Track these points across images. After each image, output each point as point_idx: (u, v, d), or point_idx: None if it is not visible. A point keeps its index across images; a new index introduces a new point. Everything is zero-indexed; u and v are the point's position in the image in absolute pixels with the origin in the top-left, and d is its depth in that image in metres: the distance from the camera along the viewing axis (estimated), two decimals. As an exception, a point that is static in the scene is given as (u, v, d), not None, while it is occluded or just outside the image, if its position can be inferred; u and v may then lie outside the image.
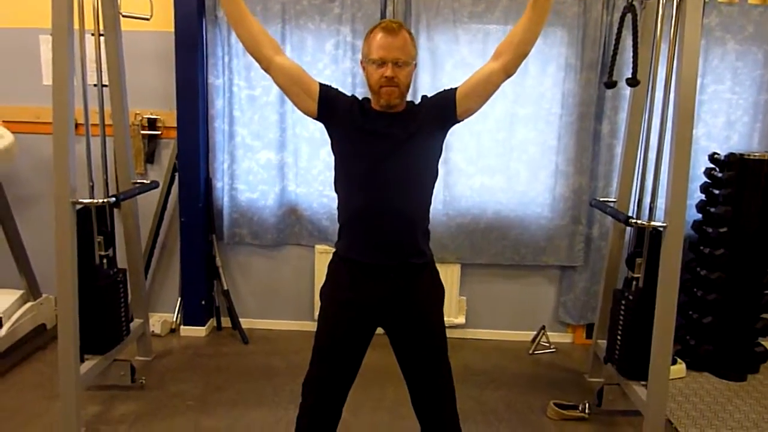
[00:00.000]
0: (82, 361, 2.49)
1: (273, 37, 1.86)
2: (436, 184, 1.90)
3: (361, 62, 1.82)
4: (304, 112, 1.85)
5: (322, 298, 1.91)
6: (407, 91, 1.79)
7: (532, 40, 1.74)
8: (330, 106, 1.81)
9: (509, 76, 1.79)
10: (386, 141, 1.76)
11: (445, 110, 1.81)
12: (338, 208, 1.88)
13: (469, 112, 1.83)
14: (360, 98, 1.87)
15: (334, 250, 1.90)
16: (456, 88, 1.82)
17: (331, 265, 1.91)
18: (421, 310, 1.85)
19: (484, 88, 1.79)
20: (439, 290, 1.93)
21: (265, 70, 1.83)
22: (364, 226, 1.79)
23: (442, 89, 1.87)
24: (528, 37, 1.73)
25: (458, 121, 1.84)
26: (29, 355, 3.12)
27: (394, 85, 1.72)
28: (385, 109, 1.78)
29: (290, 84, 1.81)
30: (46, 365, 3.03)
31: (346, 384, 1.89)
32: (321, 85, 1.83)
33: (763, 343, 3.19)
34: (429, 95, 1.88)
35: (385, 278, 1.80)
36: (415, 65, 1.81)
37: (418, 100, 1.88)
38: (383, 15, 3.16)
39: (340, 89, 1.88)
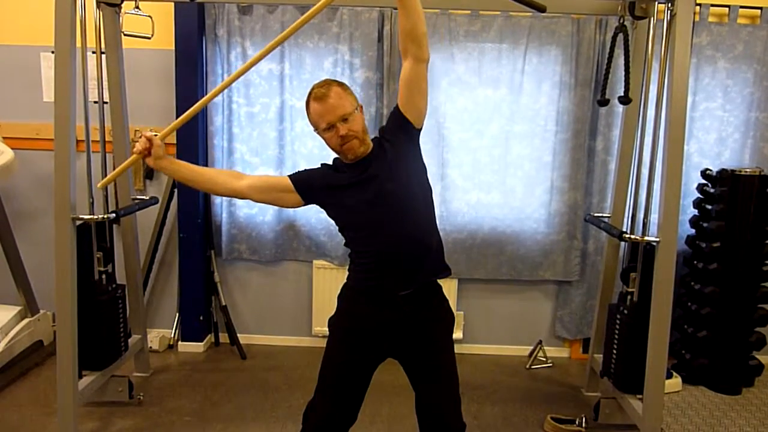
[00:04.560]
0: (81, 376, 2.49)
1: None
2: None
3: (315, 131, 1.83)
4: (293, 207, 1.94)
5: (332, 329, 1.92)
6: (366, 134, 1.82)
7: (417, 24, 1.73)
8: (310, 189, 1.88)
9: (427, 61, 1.80)
10: (372, 183, 1.80)
11: (402, 127, 1.84)
12: (352, 254, 1.91)
13: (421, 115, 1.85)
14: (330, 162, 1.92)
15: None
16: (397, 104, 1.85)
17: (343, 297, 1.93)
18: (433, 340, 1.87)
19: (416, 85, 1.80)
20: (449, 318, 1.95)
21: (243, 198, 1.90)
22: (386, 262, 1.81)
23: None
24: (412, 24, 1.72)
25: (419, 129, 1.86)
26: (26, 372, 3.11)
27: (352, 138, 1.77)
28: (355, 161, 1.82)
29: (267, 195, 1.89)
30: (43, 381, 3.03)
31: (349, 419, 1.89)
32: (290, 176, 1.89)
33: (757, 356, 3.21)
34: (383, 125, 1.94)
35: (401, 305, 1.81)
36: (361, 107, 1.83)
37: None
38: (380, 34, 3.21)
39: (306, 168, 1.96)
